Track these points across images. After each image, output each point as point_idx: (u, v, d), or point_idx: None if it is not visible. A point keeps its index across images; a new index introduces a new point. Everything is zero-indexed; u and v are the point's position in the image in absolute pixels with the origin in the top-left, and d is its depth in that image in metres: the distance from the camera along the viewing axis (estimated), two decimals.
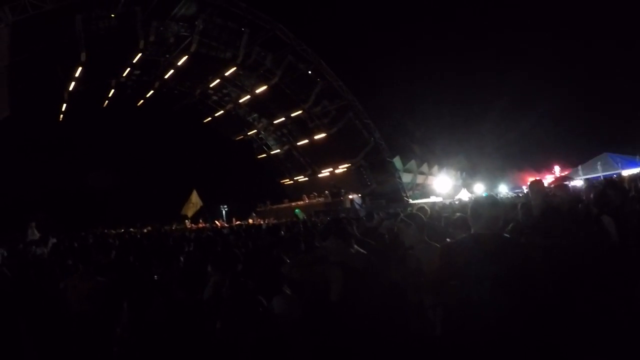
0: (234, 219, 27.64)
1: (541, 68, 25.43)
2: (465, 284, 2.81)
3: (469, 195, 25.21)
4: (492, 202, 3.15)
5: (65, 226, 20.32)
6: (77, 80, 23.10)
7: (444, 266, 3.03)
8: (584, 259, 3.75)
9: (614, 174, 21.67)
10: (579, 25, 26.01)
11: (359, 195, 28.15)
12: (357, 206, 25.58)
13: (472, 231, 3.07)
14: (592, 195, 5.65)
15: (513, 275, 2.75)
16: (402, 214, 5.39)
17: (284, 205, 30.90)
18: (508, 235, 3.37)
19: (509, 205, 6.88)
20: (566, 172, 22.28)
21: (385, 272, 3.93)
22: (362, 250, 3.90)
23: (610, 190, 5.59)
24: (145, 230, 21.86)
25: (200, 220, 26.30)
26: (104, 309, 4.03)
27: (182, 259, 6.13)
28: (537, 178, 10.54)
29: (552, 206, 4.61)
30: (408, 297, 3.81)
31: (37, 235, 15.67)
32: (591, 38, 25.77)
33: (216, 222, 25.34)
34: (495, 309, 2.69)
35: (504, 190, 20.61)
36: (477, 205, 3.12)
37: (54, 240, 13.04)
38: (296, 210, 25.72)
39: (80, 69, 21.97)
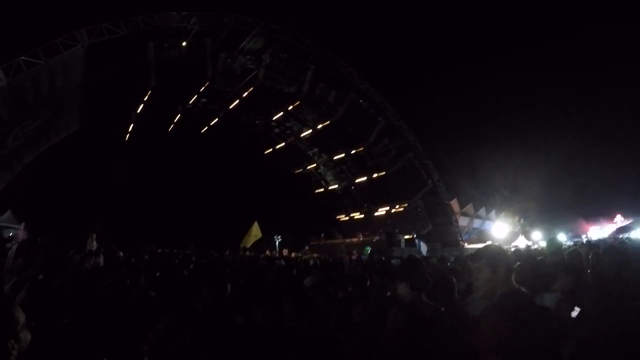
0: (284, 250, 27.48)
1: (605, 113, 23.67)
2: None
3: (527, 242, 23.53)
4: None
5: (120, 240, 21.06)
6: (146, 103, 24.65)
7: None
8: None
9: None
10: None
11: (413, 236, 27.17)
12: (420, 250, 24.39)
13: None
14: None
15: None
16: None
17: (337, 240, 30.54)
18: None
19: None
20: (629, 221, 20.11)
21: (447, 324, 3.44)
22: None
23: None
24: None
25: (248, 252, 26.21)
26: None
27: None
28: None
29: None
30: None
31: (95, 246, 16.38)
32: None
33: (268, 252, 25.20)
34: None
35: (562, 238, 19.02)
36: None
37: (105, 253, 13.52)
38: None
39: (149, 92, 23.38)
